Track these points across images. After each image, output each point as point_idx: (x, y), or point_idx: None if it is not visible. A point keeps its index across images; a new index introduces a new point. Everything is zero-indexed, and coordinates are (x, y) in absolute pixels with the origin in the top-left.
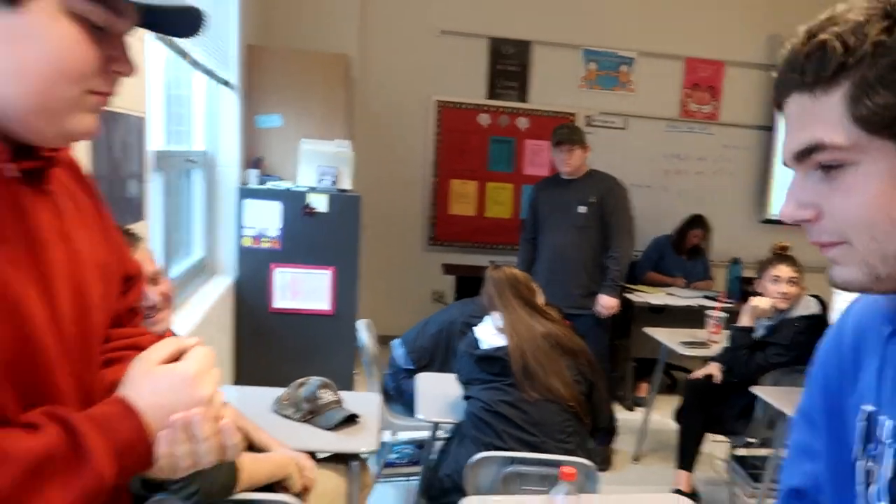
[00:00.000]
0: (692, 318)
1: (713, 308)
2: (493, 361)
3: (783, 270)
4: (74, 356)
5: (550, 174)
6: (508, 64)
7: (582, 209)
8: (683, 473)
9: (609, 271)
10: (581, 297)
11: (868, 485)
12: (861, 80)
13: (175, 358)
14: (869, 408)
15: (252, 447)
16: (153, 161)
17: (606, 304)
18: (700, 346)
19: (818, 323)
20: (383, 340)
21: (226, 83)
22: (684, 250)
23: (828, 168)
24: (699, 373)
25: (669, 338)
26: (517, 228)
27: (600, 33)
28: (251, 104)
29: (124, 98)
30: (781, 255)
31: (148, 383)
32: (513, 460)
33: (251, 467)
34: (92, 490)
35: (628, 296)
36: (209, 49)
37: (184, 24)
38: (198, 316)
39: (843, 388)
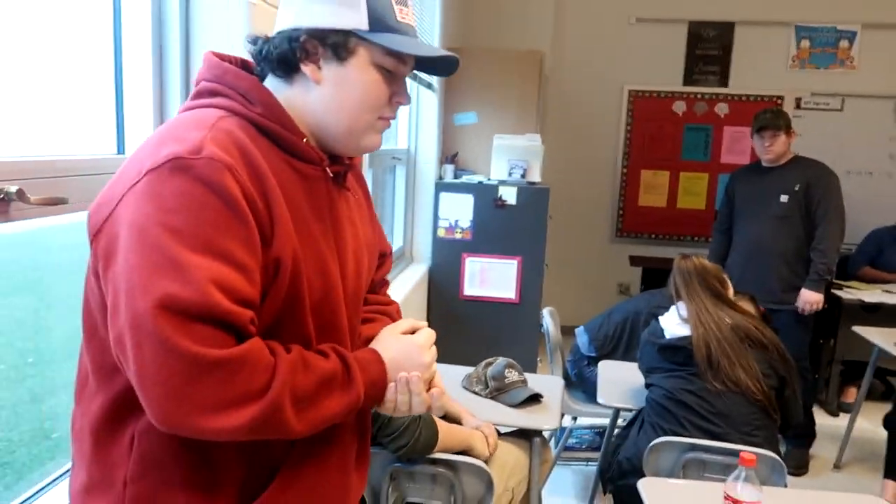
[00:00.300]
0: None
1: None
2: (677, 351)
3: None
4: (351, 305)
5: (752, 162)
6: (708, 48)
7: (784, 198)
8: (891, 484)
9: (813, 264)
10: (781, 291)
11: None
12: None
13: (411, 332)
14: None
15: (446, 416)
16: (367, 160)
17: (809, 299)
18: None
19: None
20: (567, 331)
21: (428, 85)
22: None
23: None
24: None
25: (883, 338)
26: (711, 220)
27: (815, 6)
28: (449, 103)
29: None
30: None
31: (392, 344)
32: (693, 447)
33: (446, 434)
34: (352, 405)
35: (837, 292)
36: None
37: (444, 66)
38: (398, 299)
39: None
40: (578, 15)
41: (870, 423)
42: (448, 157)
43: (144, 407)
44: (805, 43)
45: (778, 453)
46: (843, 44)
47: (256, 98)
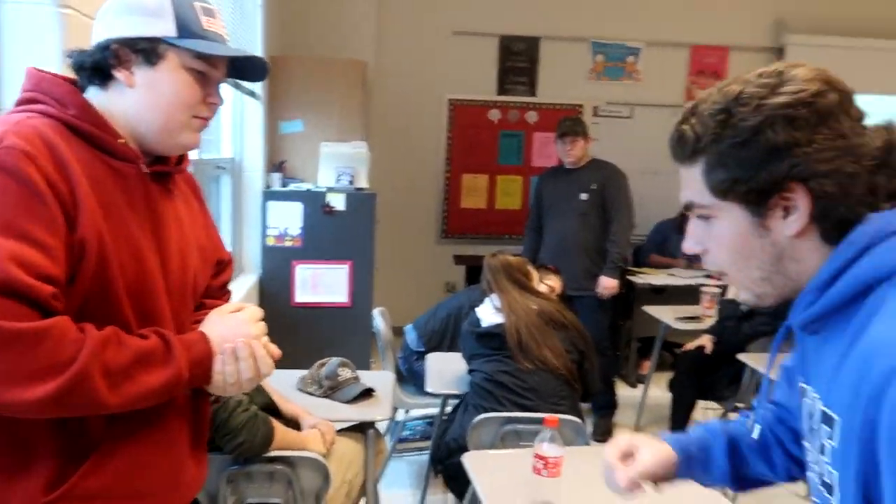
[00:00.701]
0: (693, 296)
1: (708, 285)
2: (493, 337)
3: None
4: (176, 298)
5: (556, 165)
6: (518, 60)
7: (584, 196)
8: None
9: (609, 254)
10: (583, 279)
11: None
12: (707, 160)
13: (237, 311)
14: (802, 383)
15: (281, 416)
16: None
17: (607, 285)
18: (694, 321)
19: None
20: (399, 330)
21: (251, 94)
22: None
23: (703, 217)
24: (691, 345)
25: (667, 315)
26: (526, 219)
27: (608, 25)
28: (274, 111)
29: None
30: None
31: (217, 323)
32: (509, 420)
33: (282, 436)
34: (173, 381)
35: (631, 278)
36: None
37: (256, 70)
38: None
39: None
40: (399, 27)
41: (661, 391)
42: (275, 165)
43: None
44: (600, 57)
45: (581, 418)
46: (630, 59)
47: (70, 102)
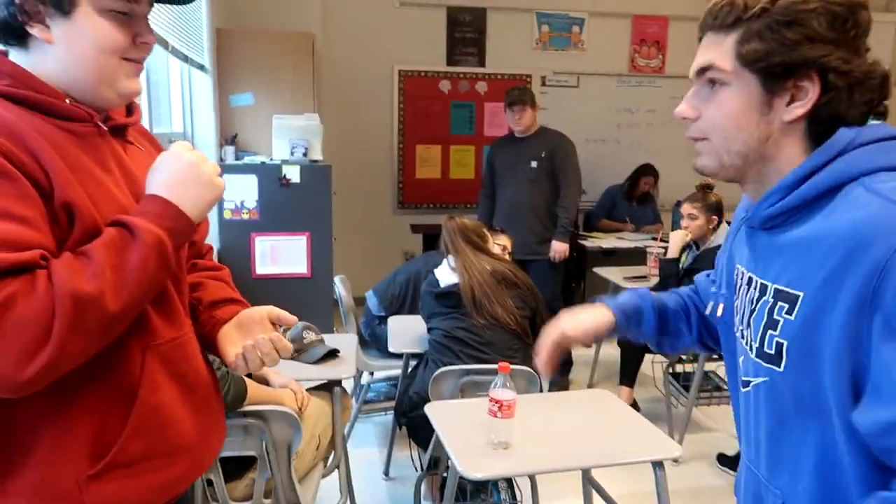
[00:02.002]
0: (641, 259)
1: (652, 247)
2: (450, 296)
3: (685, 208)
4: None
5: (507, 134)
6: (466, 31)
7: (533, 164)
8: (625, 389)
9: (559, 219)
10: (536, 244)
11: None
12: (746, 30)
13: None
14: (740, 267)
15: (252, 376)
16: None
17: (558, 248)
18: (641, 280)
19: None
20: (360, 300)
21: (200, 67)
22: (635, 197)
23: (712, 83)
24: None
25: (616, 275)
26: (479, 187)
27: None
28: (224, 85)
29: None
30: (691, 194)
31: (159, 175)
32: (467, 371)
33: (255, 391)
34: (152, 246)
35: (582, 242)
36: (183, 36)
37: None
38: None
39: (731, 256)
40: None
41: (613, 349)
42: (227, 139)
43: None
44: (545, 28)
45: (535, 371)
46: (575, 29)
47: (0, 71)
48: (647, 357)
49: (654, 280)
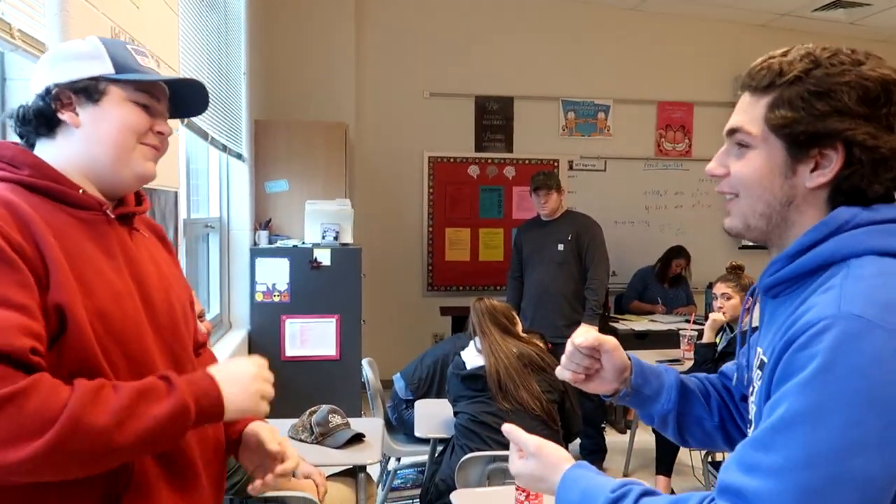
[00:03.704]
0: (674, 341)
1: (686, 329)
2: (476, 379)
3: (718, 287)
4: (166, 333)
5: (534, 216)
6: (494, 118)
7: (560, 246)
8: (662, 478)
9: (587, 301)
10: (564, 326)
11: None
12: (779, 95)
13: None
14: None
15: None
16: (180, 229)
17: None
18: (674, 363)
19: None
20: (387, 383)
21: (238, 156)
22: (667, 279)
23: (740, 145)
24: None
25: (648, 359)
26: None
27: (577, 85)
28: (260, 172)
29: (162, 175)
30: (724, 275)
31: (220, 367)
32: (494, 458)
33: None
34: (178, 412)
35: (614, 324)
36: (223, 127)
37: (197, 99)
38: None
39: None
40: (377, 90)
41: (649, 435)
42: (262, 223)
43: None
44: (571, 114)
45: None
46: (601, 115)
47: (22, 162)
48: None
49: (689, 364)
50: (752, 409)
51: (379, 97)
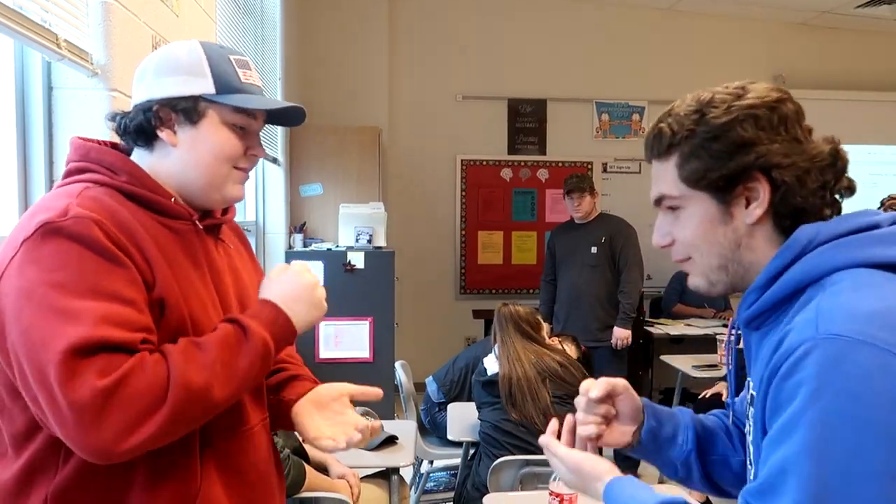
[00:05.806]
0: (711, 346)
1: (723, 333)
2: (494, 385)
3: None
4: None
5: (567, 220)
6: (526, 121)
7: (594, 249)
8: None
9: (621, 305)
10: (598, 330)
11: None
12: (681, 153)
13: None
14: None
15: (313, 462)
16: None
17: (619, 335)
18: (711, 368)
19: None
20: (420, 386)
21: (273, 160)
22: None
23: (672, 209)
24: (708, 392)
25: (683, 363)
26: (541, 273)
27: (611, 86)
28: (295, 176)
29: None
30: None
31: (275, 283)
32: (527, 462)
33: (313, 479)
34: (262, 350)
35: (649, 329)
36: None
37: (293, 116)
38: None
39: None
40: (410, 94)
41: None
42: (296, 227)
43: (77, 451)
44: (605, 116)
45: None
46: (635, 117)
47: (121, 168)
48: None
49: (725, 370)
50: (751, 448)
51: (412, 101)
